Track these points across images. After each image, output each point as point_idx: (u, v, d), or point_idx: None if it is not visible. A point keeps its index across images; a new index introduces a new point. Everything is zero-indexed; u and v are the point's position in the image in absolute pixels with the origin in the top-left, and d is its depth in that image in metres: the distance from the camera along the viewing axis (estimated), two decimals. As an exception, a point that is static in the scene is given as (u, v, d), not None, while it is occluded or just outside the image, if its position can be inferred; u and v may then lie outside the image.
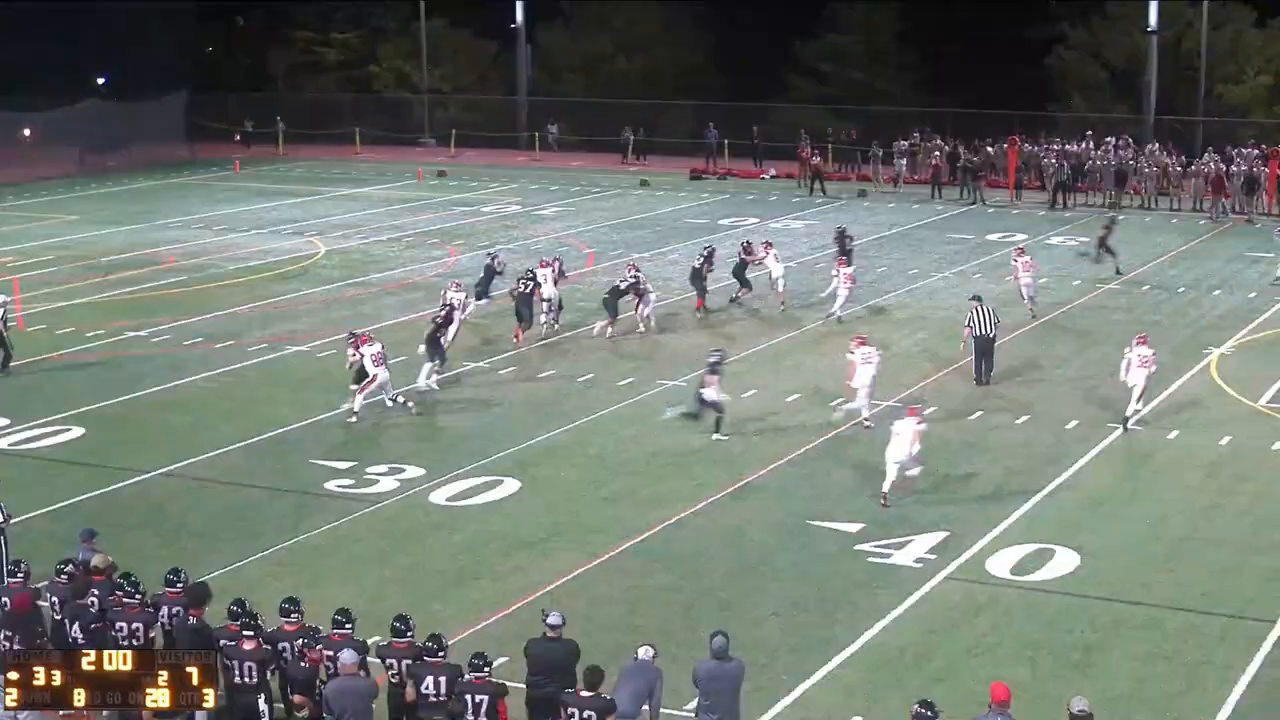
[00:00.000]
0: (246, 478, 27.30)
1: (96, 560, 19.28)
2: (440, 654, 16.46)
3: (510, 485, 26.75)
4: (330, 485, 26.75)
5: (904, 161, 65.91)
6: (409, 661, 16.64)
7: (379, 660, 17.01)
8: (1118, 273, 44.24)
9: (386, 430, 30.08)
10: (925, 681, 18.91)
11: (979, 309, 33.62)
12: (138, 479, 27.21)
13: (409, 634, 16.92)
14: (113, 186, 67.64)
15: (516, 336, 36.91)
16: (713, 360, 30.03)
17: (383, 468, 27.61)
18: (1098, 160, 61.29)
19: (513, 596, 21.81)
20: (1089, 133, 65.58)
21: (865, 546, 23.80)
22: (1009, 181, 62.55)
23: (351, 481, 26.93)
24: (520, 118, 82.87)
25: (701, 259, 41.03)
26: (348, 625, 16.97)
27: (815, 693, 18.97)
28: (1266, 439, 29.26)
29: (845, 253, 43.22)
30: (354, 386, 30.61)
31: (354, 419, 30.31)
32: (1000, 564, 23.13)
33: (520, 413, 31.27)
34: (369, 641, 17.56)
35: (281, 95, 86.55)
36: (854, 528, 24.55)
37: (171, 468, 27.78)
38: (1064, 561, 23.19)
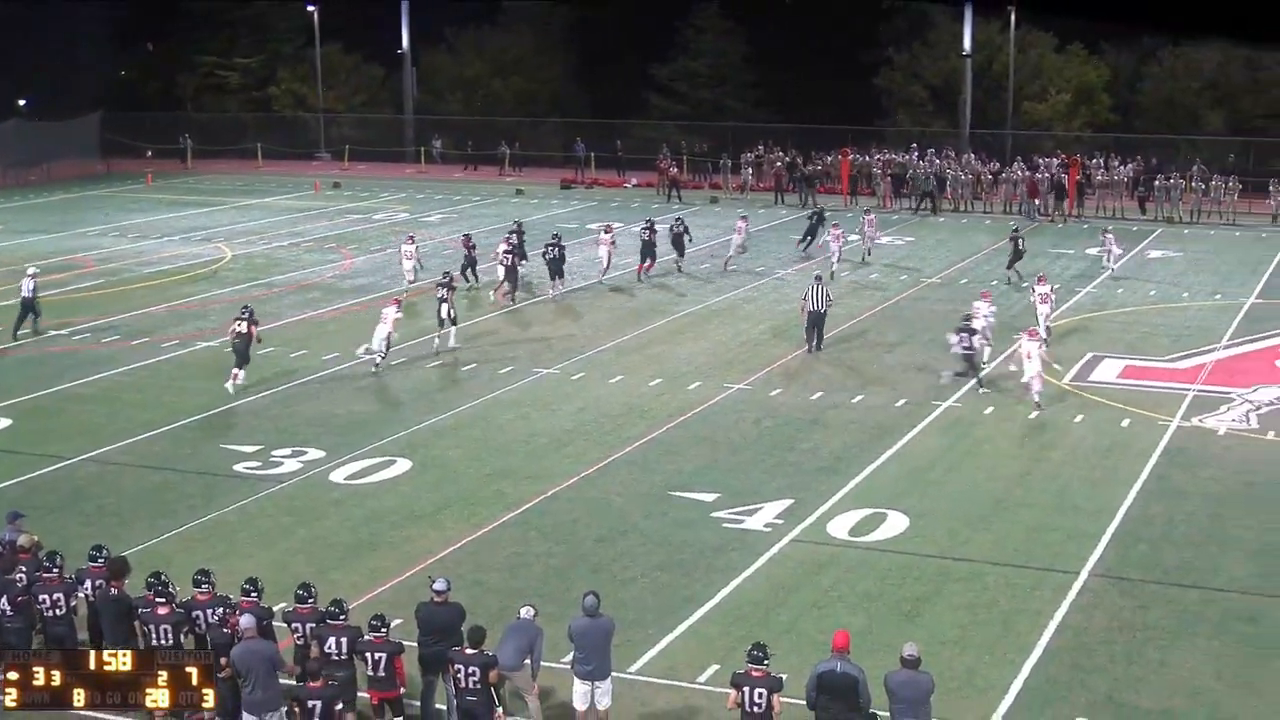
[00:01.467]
0: (161, 462, 26.83)
1: (22, 540, 18.87)
2: (342, 617, 16.31)
3: (403, 464, 26.54)
4: (238, 467, 26.35)
5: (750, 171, 66.26)
6: (313, 625, 16.46)
7: (285, 624, 16.82)
8: (1019, 276, 44.37)
9: (290, 416, 29.71)
10: (775, 633, 19.02)
11: (815, 287, 34.74)
12: (60, 465, 26.64)
13: (312, 600, 16.75)
14: (35, 199, 66.15)
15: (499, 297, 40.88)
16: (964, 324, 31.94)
17: (286, 450, 27.26)
18: (920, 169, 61.99)
19: (406, 564, 21.65)
20: (914, 145, 66.31)
21: (720, 514, 23.88)
22: (843, 188, 63.14)
23: (258, 464, 26.56)
24: (407, 134, 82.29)
25: (645, 229, 44.88)
26: (254, 594, 16.73)
27: (678, 645, 19.01)
28: (1070, 413, 29.74)
29: (817, 228, 48.53)
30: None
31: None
32: (839, 527, 23.32)
33: (410, 399, 31.05)
34: (276, 608, 17.34)
35: (189, 115, 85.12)
36: (710, 497, 24.63)
37: (92, 454, 27.24)
38: (895, 523, 23.44)
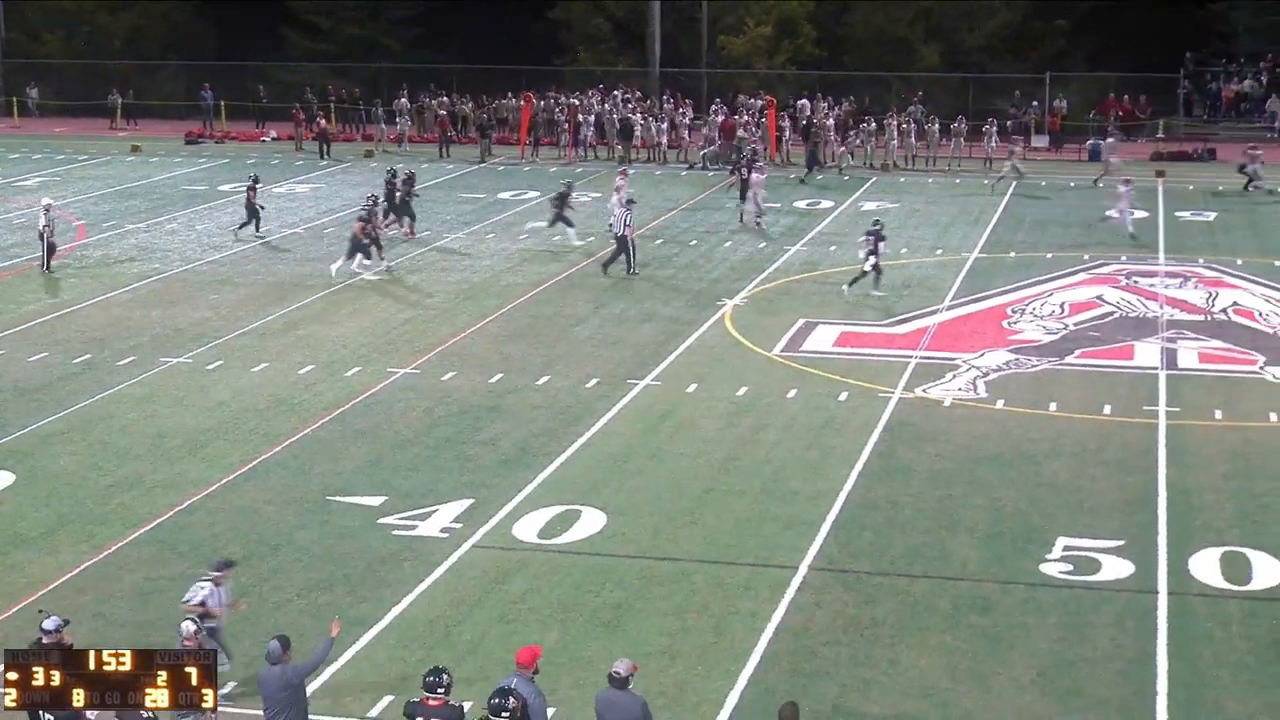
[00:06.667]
0: None
1: None
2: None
3: (3, 478, 25.68)
4: None
5: (406, 120, 65.94)
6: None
7: None
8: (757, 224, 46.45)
9: None
10: (457, 654, 19.07)
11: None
12: None
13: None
14: None
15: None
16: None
17: None
18: (607, 115, 62.68)
19: (10, 599, 20.97)
20: (601, 85, 66.99)
21: (389, 520, 23.81)
22: (521, 138, 63.36)
23: None
24: (-5, 81, 79.68)
25: (388, 180, 47.11)
26: None
27: (345, 675, 18.88)
28: (781, 388, 30.52)
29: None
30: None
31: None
32: (527, 528, 23.50)
33: (9, 399, 30.02)
34: None
35: None
36: (376, 501, 24.53)
37: None
38: (591, 522, 23.72)
